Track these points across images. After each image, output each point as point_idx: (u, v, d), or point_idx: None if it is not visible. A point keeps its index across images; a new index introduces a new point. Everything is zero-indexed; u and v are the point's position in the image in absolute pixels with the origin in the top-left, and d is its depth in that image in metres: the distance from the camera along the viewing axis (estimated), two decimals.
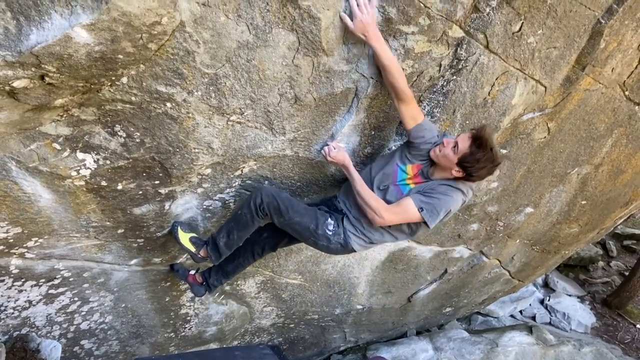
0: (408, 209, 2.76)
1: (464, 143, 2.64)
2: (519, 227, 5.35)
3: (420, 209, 2.74)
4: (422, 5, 2.44)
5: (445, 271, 5.89)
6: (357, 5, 2.31)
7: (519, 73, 3.07)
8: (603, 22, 3.00)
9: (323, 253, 3.89)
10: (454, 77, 2.90)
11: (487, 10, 2.61)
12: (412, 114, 2.75)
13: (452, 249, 5.35)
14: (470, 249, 5.51)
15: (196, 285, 3.60)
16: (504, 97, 3.16)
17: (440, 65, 2.82)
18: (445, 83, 2.93)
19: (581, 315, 9.84)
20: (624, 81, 3.63)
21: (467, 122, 3.23)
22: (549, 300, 10.21)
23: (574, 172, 4.62)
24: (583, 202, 5.19)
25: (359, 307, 6.00)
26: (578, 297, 10.60)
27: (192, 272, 3.66)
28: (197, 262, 3.24)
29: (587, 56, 3.23)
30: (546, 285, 10.77)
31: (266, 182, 3.20)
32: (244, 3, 2.13)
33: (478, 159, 2.61)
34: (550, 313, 9.95)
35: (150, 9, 1.85)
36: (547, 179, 4.61)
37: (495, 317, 9.41)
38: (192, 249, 3.14)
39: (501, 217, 4.97)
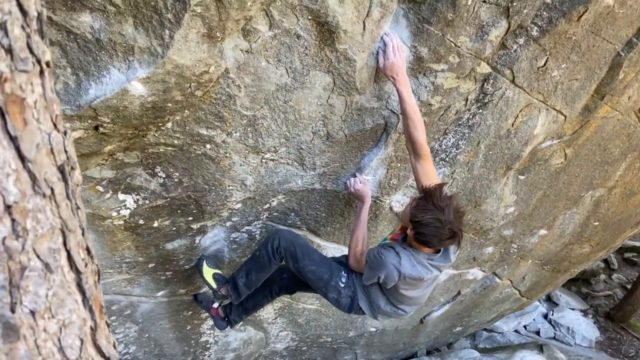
0: (361, 260, 2.77)
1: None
2: (532, 248, 5.38)
3: (366, 262, 2.70)
4: (452, 44, 2.50)
5: (459, 293, 5.91)
6: (392, 48, 2.37)
7: (542, 105, 3.13)
8: (623, 54, 3.07)
9: None
10: (480, 110, 2.96)
11: (515, 47, 2.68)
12: (427, 173, 2.56)
13: (467, 271, 5.38)
14: (484, 271, 5.54)
15: (218, 319, 3.62)
16: (527, 127, 3.22)
17: (467, 100, 2.88)
18: (471, 116, 2.98)
19: (585, 329, 9.85)
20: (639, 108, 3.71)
21: (491, 152, 3.29)
22: (552, 314, 10.22)
23: (587, 195, 4.67)
24: (595, 224, 5.25)
25: (373, 329, 6.00)
26: (581, 310, 10.61)
27: (215, 305, 3.68)
28: (218, 299, 3.29)
29: (606, 86, 3.30)
30: (549, 299, 10.78)
31: (292, 213, 3.23)
32: (284, 48, 2.19)
33: (422, 215, 2.33)
34: (554, 327, 9.95)
35: (200, 59, 1.90)
36: (562, 202, 4.66)
37: (500, 333, 9.41)
38: (214, 285, 3.16)
39: (515, 239, 5.01)
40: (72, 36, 1.64)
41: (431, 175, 2.59)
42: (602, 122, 3.69)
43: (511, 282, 6.31)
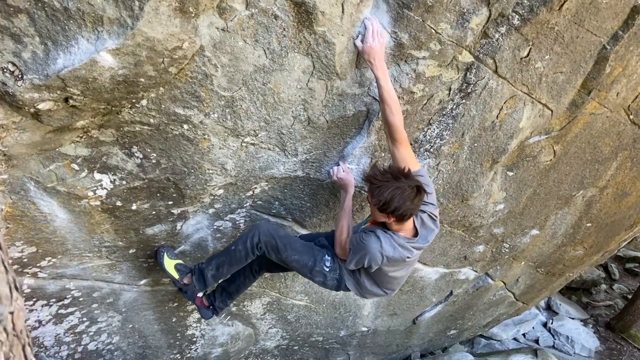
0: (347, 248, 2.80)
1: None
2: (524, 248, 5.35)
3: (350, 248, 2.74)
4: (433, 31, 2.50)
5: (451, 293, 5.88)
6: (371, 32, 2.37)
7: (527, 97, 3.12)
8: (609, 47, 3.06)
9: None
10: (463, 100, 2.95)
11: (497, 36, 2.68)
12: (404, 158, 2.58)
13: (458, 270, 5.35)
14: (475, 271, 5.51)
15: (203, 308, 3.60)
16: (512, 120, 3.21)
17: (450, 89, 2.87)
18: (454, 106, 2.98)
19: (585, 338, 9.76)
20: (629, 105, 3.69)
21: (476, 144, 3.28)
22: (552, 323, 10.13)
23: (579, 194, 4.65)
24: (588, 225, 5.21)
25: (364, 329, 5.96)
26: (581, 320, 10.52)
27: (200, 294, 3.66)
28: (179, 288, 3.28)
29: (592, 81, 3.29)
30: (549, 308, 10.70)
31: (276, 202, 3.23)
32: (261, 28, 2.19)
33: (382, 195, 2.36)
34: (553, 336, 9.87)
35: (172, 34, 1.90)
36: (553, 201, 4.63)
37: (499, 340, 9.34)
38: (176, 275, 3.15)
39: (507, 238, 4.98)
40: (40, 4, 1.65)
41: (408, 159, 2.59)
42: (590, 118, 3.67)
43: (504, 284, 6.27)
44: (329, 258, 2.95)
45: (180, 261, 3.20)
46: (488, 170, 3.57)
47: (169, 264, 3.16)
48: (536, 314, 10.05)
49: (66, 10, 1.69)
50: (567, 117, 3.56)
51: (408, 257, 2.62)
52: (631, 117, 3.82)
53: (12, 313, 0.95)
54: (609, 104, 3.59)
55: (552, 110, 3.38)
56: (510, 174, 3.94)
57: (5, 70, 1.71)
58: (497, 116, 3.14)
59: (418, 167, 2.66)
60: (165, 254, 3.14)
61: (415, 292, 5.50)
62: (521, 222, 4.76)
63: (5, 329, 0.89)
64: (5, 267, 0.92)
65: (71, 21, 1.72)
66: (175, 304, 3.96)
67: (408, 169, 2.44)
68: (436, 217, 2.70)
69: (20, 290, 0.98)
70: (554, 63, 2.98)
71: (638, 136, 4.06)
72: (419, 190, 2.40)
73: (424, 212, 2.64)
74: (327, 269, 2.93)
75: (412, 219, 2.56)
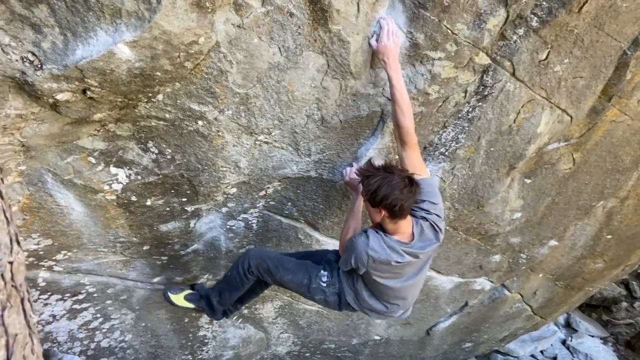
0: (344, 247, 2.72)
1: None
2: (542, 260, 5.25)
3: (346, 249, 2.64)
4: (449, 31, 2.49)
5: (466, 304, 5.79)
6: (386, 32, 2.37)
7: (545, 102, 3.08)
8: (629, 53, 3.01)
9: None
10: (480, 103, 2.93)
11: (514, 38, 2.66)
12: (413, 162, 2.52)
13: (473, 280, 5.27)
14: (491, 282, 5.42)
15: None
16: (530, 125, 3.17)
17: (466, 91, 2.85)
18: (470, 109, 2.96)
19: (604, 357, 9.53)
20: None
21: (492, 149, 3.24)
22: (571, 340, 9.92)
23: (599, 205, 4.55)
24: (608, 237, 5.10)
25: (377, 337, 5.90)
26: (601, 338, 10.28)
27: (199, 283, 3.69)
28: (201, 310, 3.46)
29: (613, 87, 3.23)
30: (568, 325, 10.48)
31: (289, 203, 3.23)
32: (276, 26, 2.21)
33: (372, 185, 2.32)
34: (572, 354, 9.65)
35: (189, 28, 1.93)
36: (572, 211, 4.55)
37: (516, 357, 9.17)
38: (191, 305, 3.37)
39: (524, 249, 4.90)
40: None
41: (417, 164, 2.55)
42: (611, 126, 3.61)
43: (522, 296, 6.15)
44: (326, 273, 2.85)
45: (187, 291, 3.40)
46: (505, 176, 3.53)
47: (178, 299, 3.38)
48: (555, 331, 9.84)
49: (86, 1, 1.72)
50: (587, 124, 3.51)
51: (397, 262, 2.46)
52: None
53: (11, 263, 0.97)
54: (630, 112, 3.53)
55: (571, 117, 3.33)
56: (528, 181, 3.89)
57: (25, 59, 1.75)
58: (515, 120, 3.11)
59: (427, 174, 2.62)
60: (169, 293, 3.41)
61: (429, 302, 5.44)
62: (539, 232, 4.68)
63: (3, 277, 0.90)
64: (6, 218, 0.94)
65: (90, 13, 1.75)
66: (182, 308, 3.97)
67: (405, 169, 2.41)
68: (440, 229, 2.57)
69: (21, 246, 1.00)
70: (573, 67, 2.95)
71: None
72: (411, 181, 2.32)
73: (427, 220, 2.52)
74: (325, 284, 2.82)
75: (410, 223, 2.47)
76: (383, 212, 2.37)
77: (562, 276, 5.88)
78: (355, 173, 2.52)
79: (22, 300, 0.94)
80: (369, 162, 2.49)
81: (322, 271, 2.86)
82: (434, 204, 2.57)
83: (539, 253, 5.08)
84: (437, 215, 2.58)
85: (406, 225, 2.46)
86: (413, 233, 2.49)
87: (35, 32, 1.72)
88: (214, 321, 4.27)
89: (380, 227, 2.52)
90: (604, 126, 3.57)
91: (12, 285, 0.93)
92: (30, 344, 1.05)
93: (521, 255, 5.02)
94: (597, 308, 11.12)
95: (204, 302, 3.34)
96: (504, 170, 3.46)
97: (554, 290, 6.25)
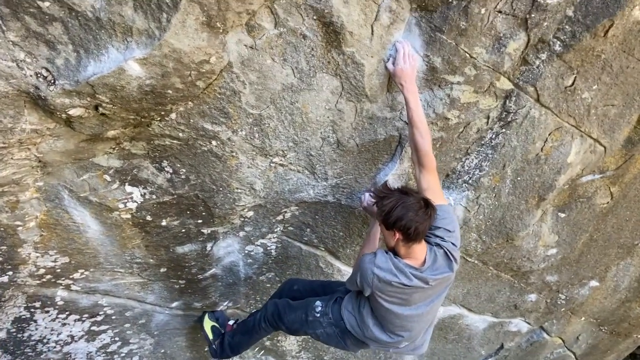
0: None
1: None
2: (583, 302, 4.96)
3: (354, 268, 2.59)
4: (467, 55, 2.45)
5: (502, 346, 5.49)
6: (402, 55, 2.35)
7: (574, 130, 2.96)
8: None
9: None
10: (503, 129, 2.84)
11: (537, 62, 2.58)
12: (431, 187, 2.47)
13: (509, 321, 5.01)
14: (528, 323, 5.14)
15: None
16: (559, 154, 3.04)
17: (488, 117, 2.78)
18: (494, 136, 2.87)
19: None
20: None
21: (519, 178, 3.12)
22: None
23: None
24: None
25: None
26: None
27: (231, 322, 3.63)
28: (211, 353, 3.51)
29: None
30: None
31: (308, 229, 3.19)
32: (289, 47, 2.23)
33: (386, 206, 2.26)
34: None
35: (199, 47, 1.97)
36: (613, 249, 4.31)
37: None
38: (210, 336, 3.46)
39: (562, 288, 4.64)
40: (74, 13, 1.76)
41: (435, 188, 2.48)
42: None
43: (563, 341, 5.80)
44: (320, 303, 2.78)
45: (216, 324, 3.50)
46: (535, 208, 3.37)
47: (207, 324, 3.48)
48: None
49: (98, 20, 1.79)
50: (623, 156, 3.35)
51: (403, 284, 2.32)
52: None
53: None
54: None
55: (605, 147, 3.18)
56: (562, 215, 3.71)
57: (39, 75, 1.82)
58: (542, 149, 2.99)
59: (443, 201, 2.53)
60: (207, 314, 3.54)
61: (461, 342, 5.19)
62: (577, 270, 4.43)
63: None
64: None
65: (102, 31, 1.82)
66: (202, 333, 3.93)
67: (413, 188, 2.39)
68: (454, 258, 2.44)
69: None
70: (602, 94, 2.83)
71: None
72: (427, 204, 2.25)
73: (441, 247, 2.41)
74: (318, 314, 2.74)
75: (424, 249, 2.36)
76: (397, 235, 2.29)
77: (607, 321, 5.52)
78: (370, 195, 2.46)
79: None
80: (385, 183, 2.43)
81: (317, 302, 2.79)
82: (450, 231, 2.46)
83: (579, 294, 4.81)
84: (452, 243, 2.46)
85: (420, 250, 2.36)
86: (425, 259, 2.38)
87: (49, 48, 1.80)
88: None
89: (393, 252, 2.43)
90: None
91: None
92: None
93: (560, 295, 4.76)
94: None
95: (219, 340, 3.42)
96: (533, 201, 3.31)
97: (598, 336, 5.87)
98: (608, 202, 3.74)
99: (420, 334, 2.70)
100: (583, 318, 5.39)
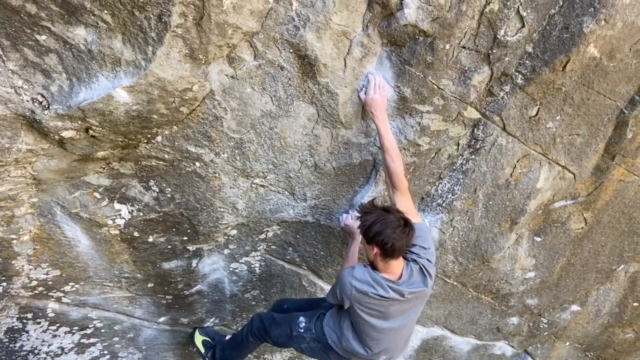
0: None
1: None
2: (565, 326, 5.05)
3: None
4: (435, 86, 2.64)
5: None
6: (373, 85, 2.55)
7: (542, 157, 3.13)
8: (626, 112, 3.05)
9: None
10: (473, 156, 3.01)
11: (501, 94, 2.77)
12: (405, 207, 2.57)
13: (492, 344, 5.09)
14: (512, 346, 5.22)
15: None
16: (528, 180, 3.21)
17: (458, 144, 2.95)
18: (464, 161, 3.04)
19: None
20: None
21: (491, 202, 3.28)
22: None
23: (620, 269, 4.41)
24: (635, 304, 4.87)
25: None
26: None
27: (228, 337, 3.72)
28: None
29: (615, 145, 3.25)
30: None
31: (290, 248, 3.34)
32: (268, 77, 2.42)
33: (367, 221, 2.39)
34: None
35: (182, 77, 2.16)
36: (592, 274, 4.42)
37: None
38: (202, 350, 3.56)
39: (544, 312, 4.74)
40: (67, 46, 1.96)
41: (409, 208, 2.63)
42: (620, 185, 3.58)
43: None
44: (304, 319, 2.90)
45: (207, 338, 3.58)
46: (508, 231, 3.52)
47: (198, 338, 3.58)
48: None
49: (90, 52, 1.99)
50: (593, 183, 3.50)
51: (380, 295, 2.47)
52: None
53: None
54: (638, 172, 3.50)
55: (574, 174, 3.34)
56: (538, 239, 3.85)
57: (35, 100, 2.01)
58: (511, 174, 3.15)
59: (418, 219, 2.68)
60: (197, 330, 3.64)
61: None
62: (557, 294, 4.54)
63: None
64: None
65: (94, 61, 2.02)
66: (195, 349, 4.05)
67: (394, 206, 2.51)
68: (429, 274, 2.58)
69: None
70: (567, 124, 3.00)
71: None
72: (406, 223, 2.38)
73: (417, 263, 2.56)
74: (302, 330, 2.87)
75: (401, 265, 2.50)
76: (375, 249, 2.43)
77: (592, 346, 5.58)
78: (356, 209, 2.61)
79: None
80: (371, 200, 2.58)
81: (300, 317, 2.92)
82: (425, 248, 2.62)
83: (560, 318, 4.90)
84: (427, 259, 2.61)
85: (397, 266, 2.51)
86: (402, 274, 2.53)
87: (45, 76, 1.99)
88: None
89: (372, 266, 2.59)
90: (612, 185, 3.55)
91: None
92: None
93: (542, 319, 4.85)
94: None
95: (210, 353, 3.50)
96: (506, 225, 3.46)
97: None
98: (582, 228, 3.87)
99: (397, 349, 2.84)
100: (567, 343, 5.46)
